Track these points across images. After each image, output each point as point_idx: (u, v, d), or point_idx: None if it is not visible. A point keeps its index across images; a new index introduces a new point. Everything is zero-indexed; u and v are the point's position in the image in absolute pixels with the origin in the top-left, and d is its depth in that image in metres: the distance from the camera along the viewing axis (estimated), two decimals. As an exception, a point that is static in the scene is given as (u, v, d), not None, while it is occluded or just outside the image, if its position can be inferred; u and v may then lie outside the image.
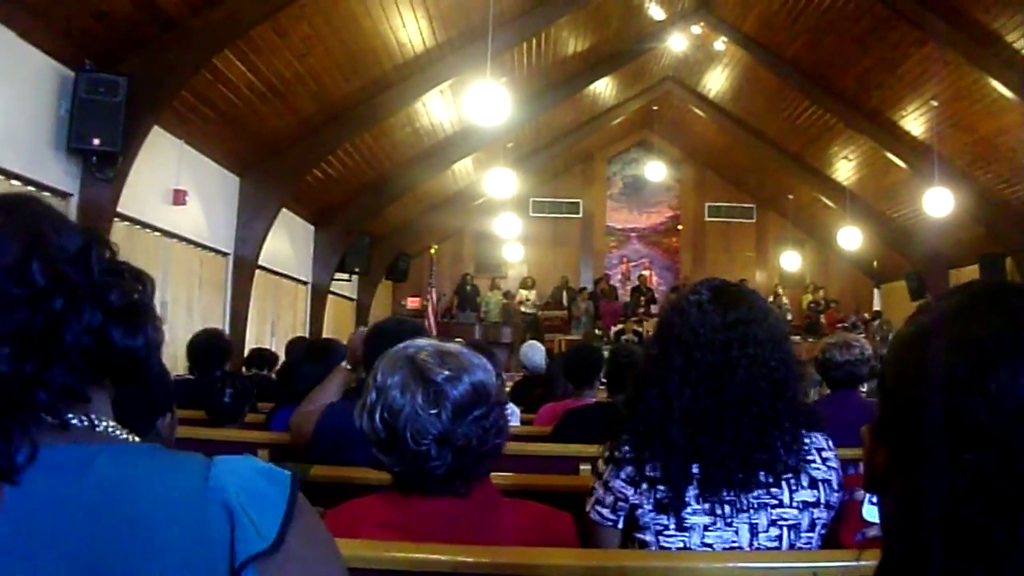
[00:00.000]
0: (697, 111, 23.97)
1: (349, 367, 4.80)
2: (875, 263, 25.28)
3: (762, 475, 2.70)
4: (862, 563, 2.37)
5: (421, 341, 2.66)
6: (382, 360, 2.58)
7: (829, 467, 2.81)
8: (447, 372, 2.46)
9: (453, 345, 2.65)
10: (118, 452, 1.32)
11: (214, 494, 1.29)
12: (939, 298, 1.16)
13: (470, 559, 2.32)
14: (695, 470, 2.69)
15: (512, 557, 2.36)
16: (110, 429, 1.37)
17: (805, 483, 2.74)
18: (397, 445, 2.44)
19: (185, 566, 1.23)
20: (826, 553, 2.69)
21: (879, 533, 2.63)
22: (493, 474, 2.71)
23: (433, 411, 2.41)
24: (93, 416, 1.35)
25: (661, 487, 2.71)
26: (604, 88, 22.23)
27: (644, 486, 2.73)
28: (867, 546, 2.62)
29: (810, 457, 2.79)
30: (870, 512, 2.75)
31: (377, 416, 2.47)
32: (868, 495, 2.69)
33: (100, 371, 1.36)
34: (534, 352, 10.51)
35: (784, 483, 2.71)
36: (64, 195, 9.89)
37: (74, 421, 1.31)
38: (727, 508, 2.68)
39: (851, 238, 22.33)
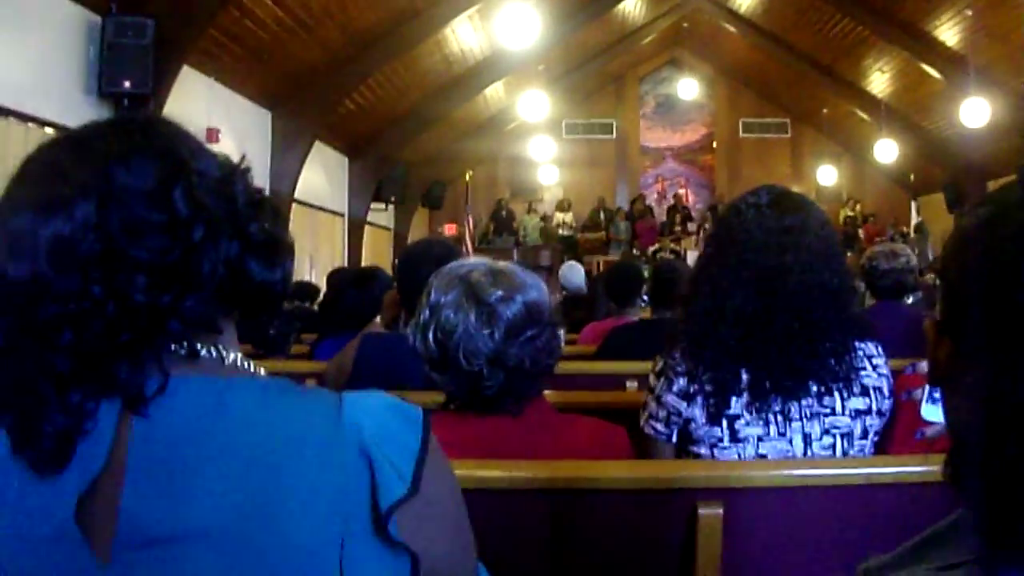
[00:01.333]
0: (728, 27, 23.60)
1: (383, 327, 4.77)
2: (912, 176, 25.03)
3: (813, 385, 2.70)
4: (923, 468, 2.39)
5: (474, 260, 2.65)
6: (436, 278, 2.57)
7: (880, 374, 2.81)
8: (500, 292, 2.45)
9: (507, 264, 2.64)
10: (250, 386, 1.30)
11: (350, 435, 1.27)
12: (1001, 189, 1.13)
13: (527, 474, 2.35)
14: (744, 376, 2.70)
15: (568, 471, 2.38)
16: (239, 361, 1.34)
17: (857, 391, 2.74)
18: (450, 364, 2.44)
19: (326, 511, 1.21)
20: (883, 459, 2.71)
21: (937, 432, 2.63)
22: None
23: (486, 331, 2.41)
24: (222, 347, 1.33)
25: (712, 399, 2.72)
26: (633, 7, 22.01)
27: (698, 399, 2.74)
28: (929, 447, 2.62)
29: (861, 365, 2.79)
30: (929, 411, 2.75)
31: (431, 335, 2.47)
32: (927, 395, 2.69)
33: (233, 302, 1.35)
34: (573, 273, 10.49)
35: (836, 392, 2.72)
36: (99, 139, 9.83)
37: (203, 352, 1.29)
38: (779, 418, 2.69)
39: (887, 151, 22.07)
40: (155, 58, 9.97)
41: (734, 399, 2.70)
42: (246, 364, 1.36)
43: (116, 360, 1.19)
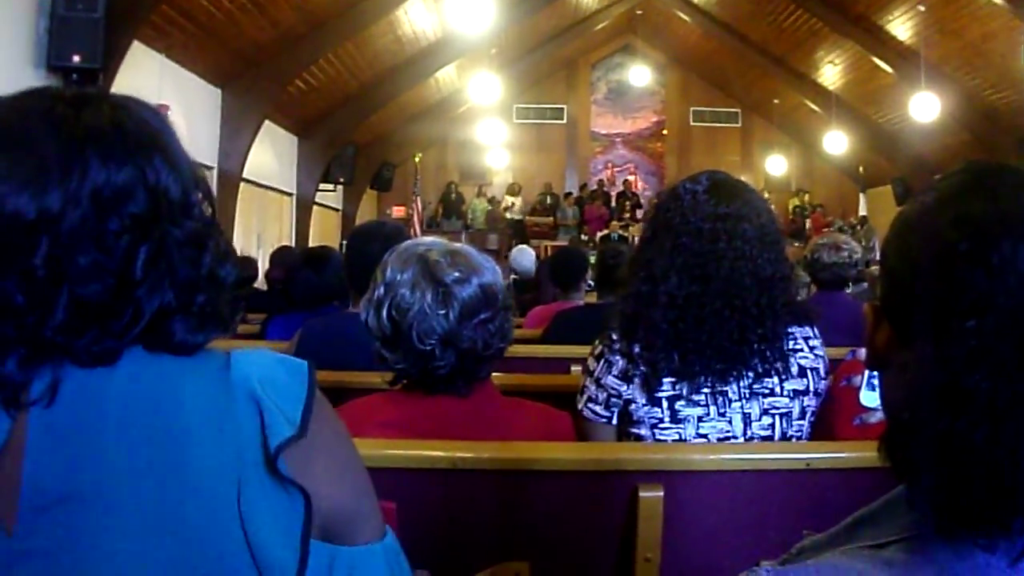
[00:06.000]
0: (681, 15, 23.67)
1: None
2: (861, 168, 25.22)
3: (750, 366, 2.74)
4: (859, 453, 2.42)
5: (431, 239, 2.66)
6: (392, 255, 2.57)
7: (816, 356, 2.88)
8: (457, 273, 2.46)
9: (463, 246, 2.65)
10: (136, 354, 1.28)
11: (239, 385, 1.31)
12: (941, 178, 1.19)
13: (469, 455, 2.35)
14: (676, 358, 2.72)
15: (512, 452, 2.40)
16: None
17: (794, 372, 2.80)
18: (402, 343, 2.45)
19: (219, 460, 1.25)
20: (820, 444, 2.75)
21: (876, 418, 2.66)
22: (489, 375, 2.75)
23: (441, 311, 2.42)
24: None
25: (647, 379, 2.75)
26: (588, -9, 22.02)
27: (636, 380, 2.77)
28: (865, 432, 2.65)
29: (798, 346, 2.85)
30: (868, 397, 2.78)
31: (384, 312, 2.47)
32: (865, 381, 2.72)
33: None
34: (523, 256, 10.55)
35: (774, 373, 2.77)
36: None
37: None
38: (719, 399, 2.73)
39: (837, 143, 22.32)
40: (105, 32, 9.78)
41: (667, 380, 2.73)
42: None
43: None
